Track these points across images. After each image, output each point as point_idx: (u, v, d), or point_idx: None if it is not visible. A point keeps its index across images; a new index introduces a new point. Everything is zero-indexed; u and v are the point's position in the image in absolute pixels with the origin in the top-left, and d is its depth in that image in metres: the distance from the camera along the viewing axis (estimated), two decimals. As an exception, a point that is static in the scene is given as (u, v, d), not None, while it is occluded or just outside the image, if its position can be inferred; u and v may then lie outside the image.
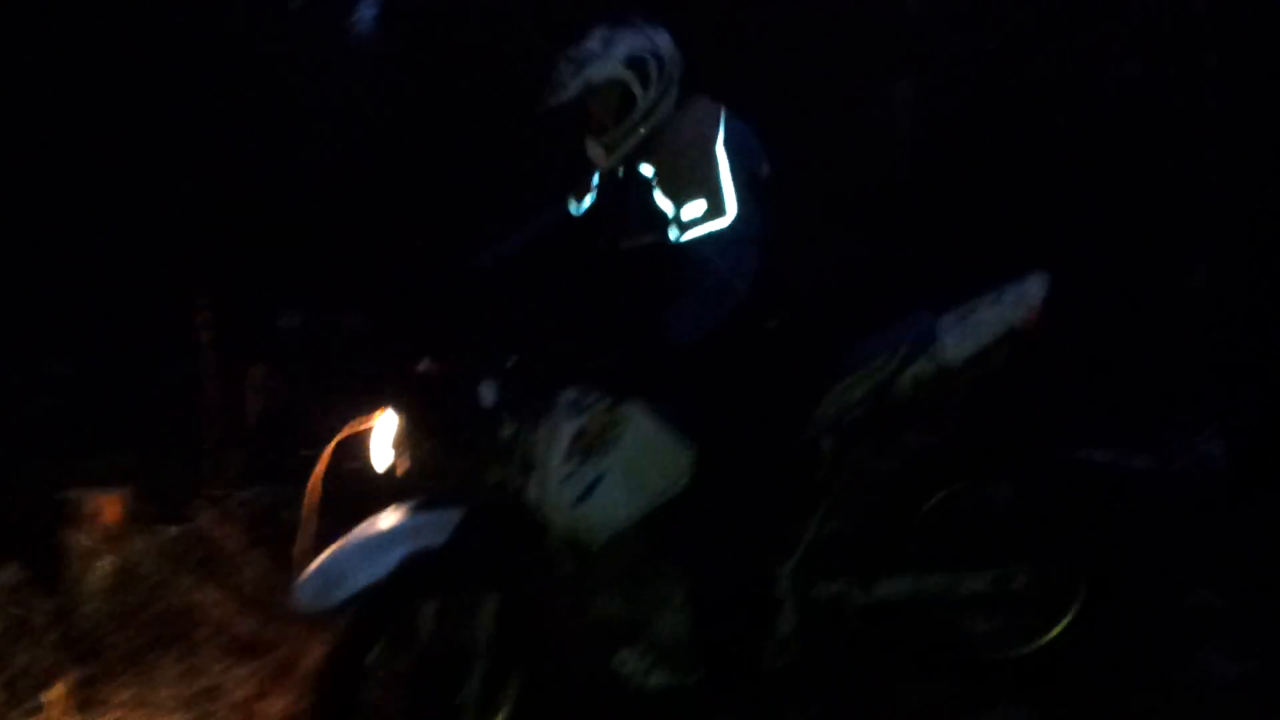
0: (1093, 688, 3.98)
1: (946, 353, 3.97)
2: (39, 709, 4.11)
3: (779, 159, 3.93)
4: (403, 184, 7.15)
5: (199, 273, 6.67)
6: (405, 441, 3.82)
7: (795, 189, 4.05)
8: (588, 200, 4.17)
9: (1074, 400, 5.29)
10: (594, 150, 4.00)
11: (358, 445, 3.88)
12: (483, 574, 3.78)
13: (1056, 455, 4.25)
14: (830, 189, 6.16)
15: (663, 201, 3.82)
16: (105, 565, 4.67)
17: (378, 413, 3.86)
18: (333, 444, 3.93)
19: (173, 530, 4.88)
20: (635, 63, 3.87)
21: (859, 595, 4.02)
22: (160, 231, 6.90)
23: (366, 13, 8.17)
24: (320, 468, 3.94)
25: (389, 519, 3.70)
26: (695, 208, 3.71)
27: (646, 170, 3.88)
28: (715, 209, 3.70)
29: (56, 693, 4.10)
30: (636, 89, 3.86)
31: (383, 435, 3.84)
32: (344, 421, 3.90)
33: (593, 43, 3.88)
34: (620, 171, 4.00)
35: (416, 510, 3.73)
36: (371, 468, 3.84)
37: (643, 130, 3.89)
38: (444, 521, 3.69)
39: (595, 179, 4.14)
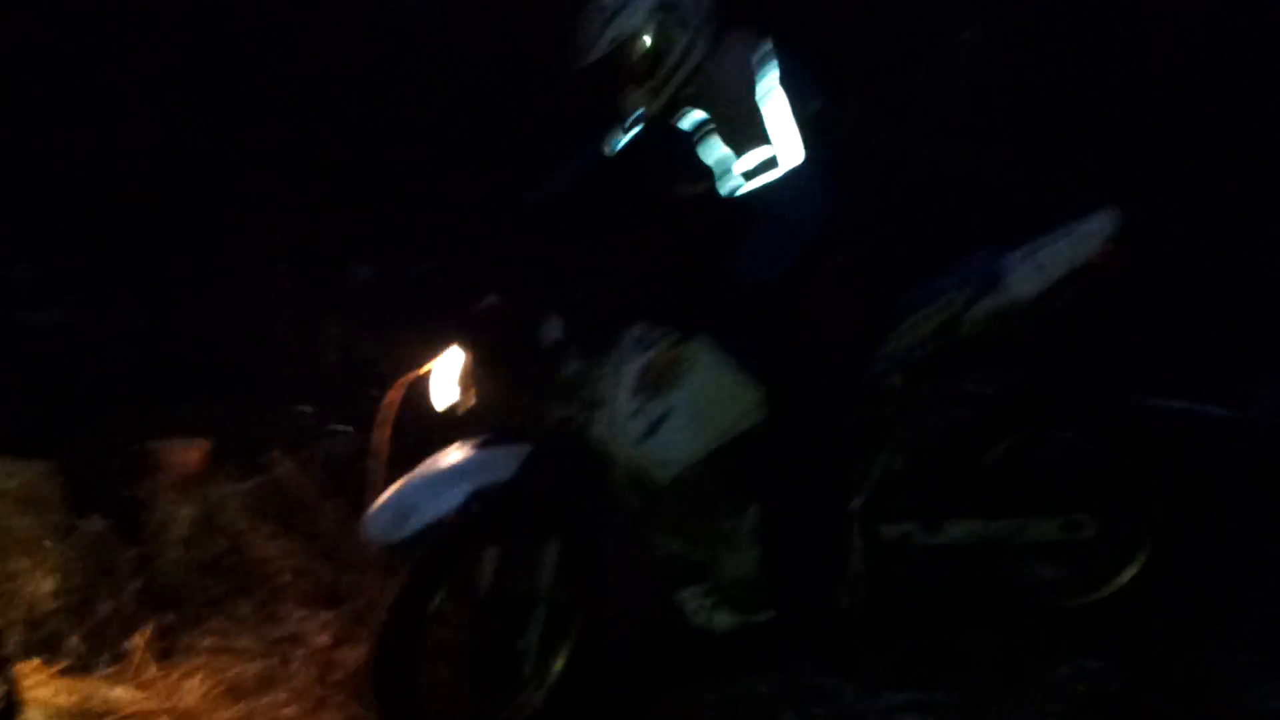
0: (1163, 640, 3.92)
1: (1015, 288, 3.92)
2: (122, 656, 4.18)
3: (836, 92, 3.87)
4: (464, 132, 7.14)
5: (274, 226, 6.71)
6: (470, 379, 3.82)
7: (859, 126, 4.00)
8: (622, 139, 4.04)
9: (1149, 345, 5.20)
10: (634, 100, 3.88)
11: (426, 386, 3.89)
12: (546, 515, 3.80)
13: (1127, 402, 4.19)
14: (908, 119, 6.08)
15: (719, 149, 3.73)
16: (185, 515, 4.73)
17: (442, 350, 3.86)
18: (402, 386, 3.94)
19: (251, 480, 4.94)
20: (664, 5, 3.77)
21: (924, 537, 4.00)
22: (234, 186, 6.92)
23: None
24: (389, 410, 3.95)
25: (455, 455, 3.73)
26: (759, 154, 3.64)
27: (696, 115, 3.78)
28: (780, 152, 3.63)
29: (139, 640, 4.16)
30: (670, 32, 3.75)
31: (447, 373, 3.84)
32: (413, 365, 3.91)
33: None
34: (664, 118, 3.88)
35: (482, 447, 3.75)
36: (443, 406, 3.85)
37: (682, 73, 3.78)
38: (509, 458, 3.71)
39: (629, 119, 3.99)
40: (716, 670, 3.93)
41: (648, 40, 3.77)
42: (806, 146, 3.64)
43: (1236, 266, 5.63)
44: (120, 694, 3.99)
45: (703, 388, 3.82)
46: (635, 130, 4.00)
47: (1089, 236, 3.98)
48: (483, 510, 3.65)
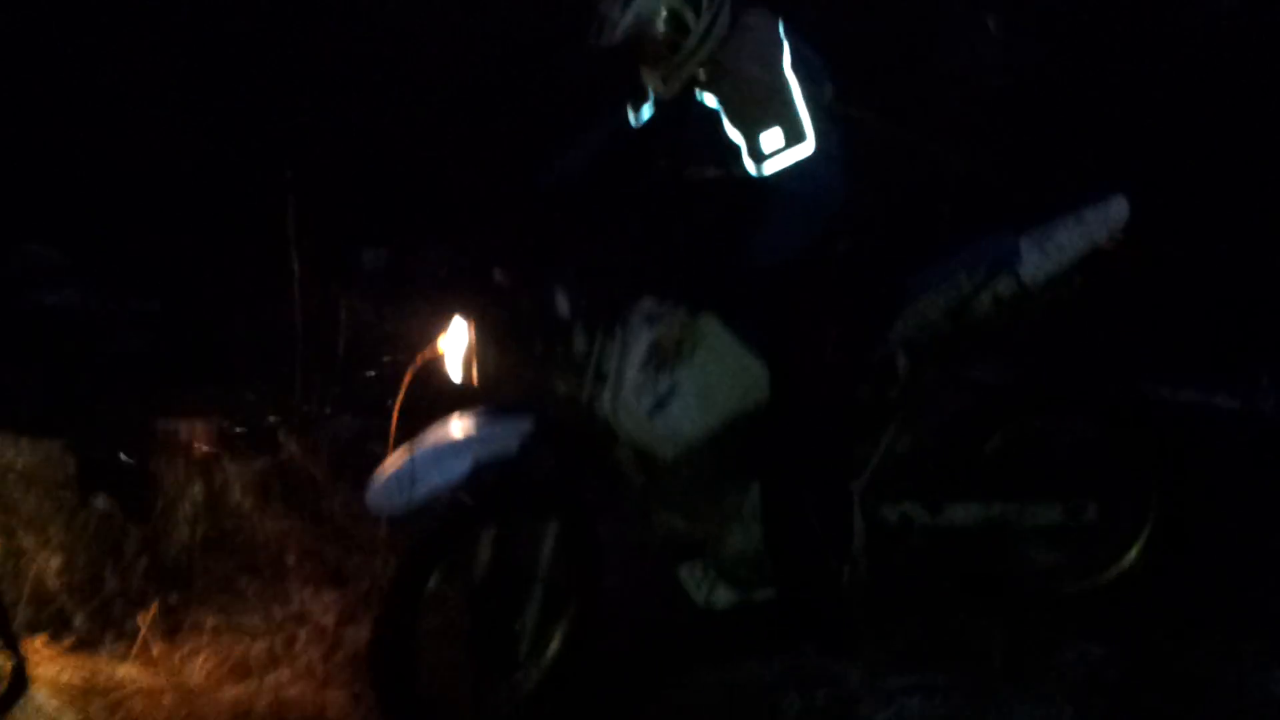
0: (1166, 628, 3.93)
1: (1026, 272, 3.93)
2: (129, 634, 4.19)
3: (850, 78, 3.86)
4: (475, 116, 7.15)
5: (285, 209, 6.72)
6: (476, 352, 3.82)
7: (871, 112, 3.99)
8: (646, 111, 4.04)
9: (1157, 333, 5.20)
10: (651, 80, 3.89)
11: (436, 367, 3.89)
12: (546, 494, 3.80)
13: (1130, 389, 4.20)
14: (911, 116, 6.07)
15: (733, 133, 3.71)
16: (192, 495, 4.74)
17: (448, 324, 3.86)
18: (412, 367, 3.94)
19: (258, 461, 4.95)
20: None
21: (926, 518, 4.02)
22: (246, 169, 6.94)
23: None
24: (403, 390, 3.96)
25: (458, 426, 3.73)
26: (773, 138, 3.63)
27: (710, 100, 3.76)
28: (795, 137, 3.62)
29: (145, 618, 4.18)
30: (688, 14, 3.71)
31: (455, 345, 3.84)
32: (423, 347, 3.91)
33: None
34: (679, 99, 3.86)
35: (487, 418, 3.75)
36: (449, 381, 3.85)
37: (700, 55, 3.75)
38: (514, 430, 3.71)
39: (645, 99, 4.02)
40: (719, 652, 3.94)
41: (666, 22, 3.73)
42: (819, 132, 3.64)
43: (1246, 256, 5.62)
44: (126, 671, 4.00)
45: (710, 365, 3.82)
46: (650, 110, 4.01)
47: (1100, 223, 3.98)
48: (482, 486, 3.66)
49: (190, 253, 6.80)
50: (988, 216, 4.21)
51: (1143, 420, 4.11)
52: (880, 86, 5.19)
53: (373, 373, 5.60)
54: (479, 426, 3.72)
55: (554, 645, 3.87)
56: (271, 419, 5.30)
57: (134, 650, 4.10)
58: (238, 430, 5.09)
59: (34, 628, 4.13)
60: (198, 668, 4.07)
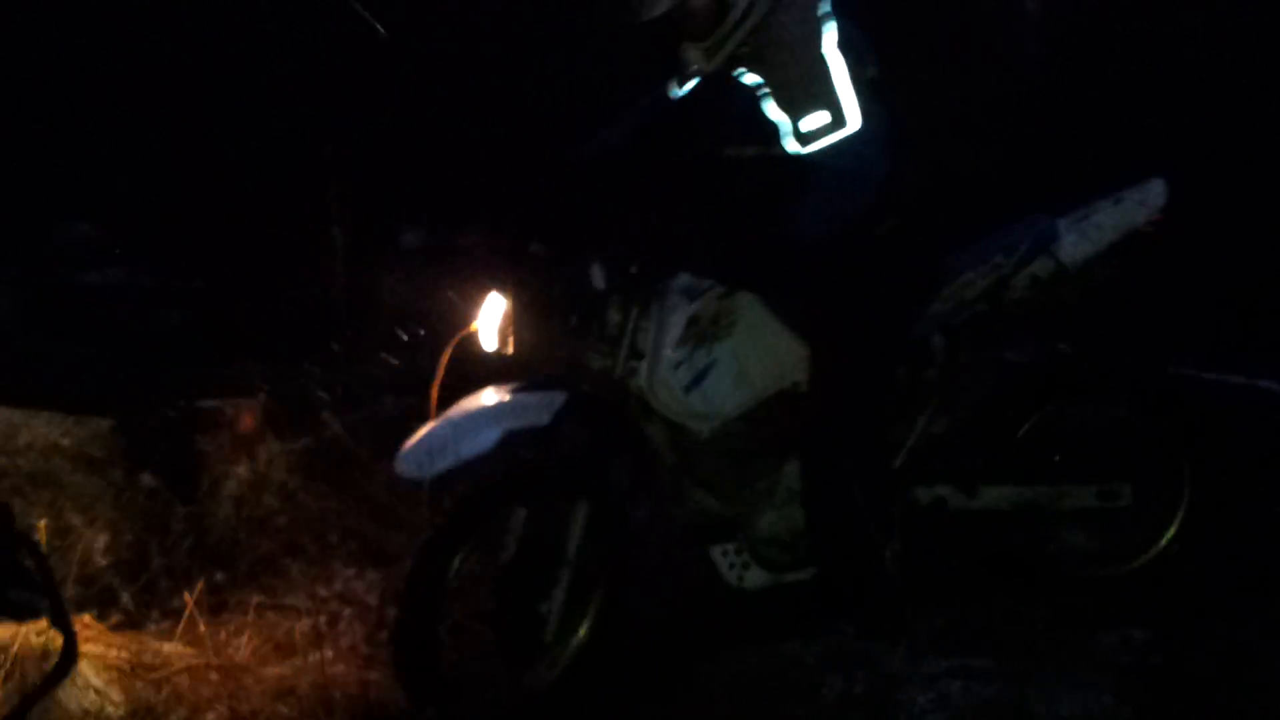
0: (1208, 611, 3.91)
1: (1064, 254, 3.92)
2: (173, 612, 4.23)
3: (892, 58, 3.84)
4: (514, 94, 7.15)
5: (327, 188, 6.74)
6: (511, 325, 3.81)
7: (912, 90, 3.97)
8: (688, 86, 3.99)
9: (1206, 319, 5.16)
10: (691, 56, 3.82)
11: (475, 343, 3.89)
12: (576, 473, 3.79)
13: (1165, 372, 4.19)
14: (951, 92, 6.04)
15: (775, 113, 3.67)
16: (238, 473, 4.78)
17: (484, 297, 3.84)
18: (454, 343, 3.94)
19: (301, 441, 4.98)
20: None
21: (960, 501, 4.01)
22: (288, 149, 6.96)
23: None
24: (442, 368, 3.96)
25: (490, 397, 3.70)
26: (816, 119, 3.60)
27: (752, 77, 3.71)
28: (838, 119, 3.60)
29: (190, 597, 4.20)
30: None
31: (490, 318, 3.83)
32: (463, 324, 3.91)
33: None
34: (720, 76, 3.81)
35: (519, 391, 3.71)
36: (487, 357, 3.85)
37: (741, 33, 3.71)
38: (545, 405, 3.68)
39: (686, 76, 3.94)
40: (759, 633, 3.94)
41: None
42: (863, 111, 3.61)
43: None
44: (171, 650, 4.02)
45: (748, 342, 3.81)
46: (690, 86, 3.97)
47: (1139, 205, 3.97)
48: (511, 462, 3.66)
49: (233, 231, 6.83)
50: (1024, 199, 4.18)
51: (1175, 402, 4.11)
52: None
53: (413, 351, 5.62)
54: (511, 399, 3.69)
55: (582, 628, 3.85)
56: (315, 397, 5.33)
57: (179, 628, 4.12)
58: (281, 409, 5.12)
59: (81, 605, 4.16)
60: (242, 646, 4.09)
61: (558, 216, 4.05)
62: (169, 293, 6.68)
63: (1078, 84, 6.29)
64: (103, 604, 4.29)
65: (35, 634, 3.68)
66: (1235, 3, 6.33)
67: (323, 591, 4.38)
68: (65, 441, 4.68)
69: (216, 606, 4.30)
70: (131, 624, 4.22)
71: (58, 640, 3.63)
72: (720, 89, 3.82)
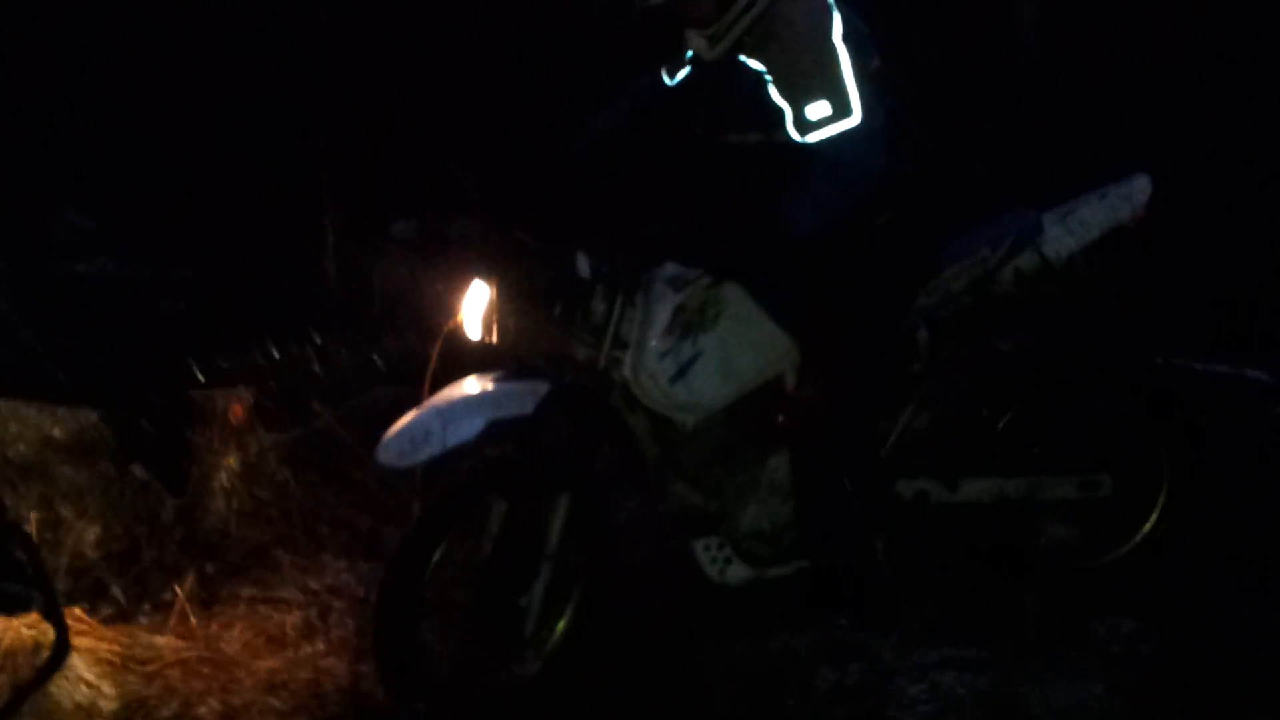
0: (1198, 601, 3.91)
1: (1049, 249, 3.93)
2: (164, 605, 4.22)
3: (889, 51, 3.83)
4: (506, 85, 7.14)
5: (319, 180, 6.74)
6: (496, 313, 3.78)
7: (910, 83, 3.96)
8: (682, 73, 3.99)
9: (1193, 309, 5.17)
10: (696, 42, 3.81)
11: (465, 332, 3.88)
12: (558, 465, 3.78)
13: (1139, 362, 4.20)
14: (946, 86, 6.04)
15: (778, 99, 3.65)
16: (229, 465, 4.76)
17: (469, 282, 3.82)
18: (444, 333, 3.93)
19: (293, 432, 4.97)
20: None
21: (942, 495, 4.01)
22: (280, 140, 6.96)
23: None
24: (434, 358, 3.94)
25: (473, 386, 3.69)
26: (819, 108, 3.57)
27: (755, 65, 3.67)
28: (841, 109, 3.57)
29: (181, 589, 4.21)
30: None
31: (475, 306, 3.80)
32: (453, 312, 3.89)
33: None
34: (722, 62, 3.78)
35: (503, 380, 3.70)
36: (475, 346, 3.84)
37: (746, 20, 3.68)
38: (528, 395, 3.67)
39: (689, 54, 3.95)
40: (753, 625, 3.93)
41: None
42: (865, 105, 3.59)
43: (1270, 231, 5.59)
44: (162, 642, 4.03)
45: (734, 333, 3.80)
46: (683, 75, 3.97)
47: (1123, 200, 3.98)
48: (494, 452, 3.65)
49: (225, 222, 6.83)
50: (1012, 192, 4.19)
51: (1151, 391, 4.11)
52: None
53: (405, 340, 5.61)
54: (494, 388, 3.68)
55: (559, 627, 3.84)
56: (306, 388, 5.32)
57: (171, 621, 4.13)
58: (272, 400, 5.11)
59: (72, 598, 4.15)
60: (234, 639, 4.10)
61: (543, 205, 4.04)
62: (161, 284, 6.68)
63: (1070, 79, 6.31)
64: (94, 597, 4.28)
65: (27, 627, 3.68)
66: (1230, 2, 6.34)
67: (314, 584, 4.37)
68: (56, 433, 4.66)
69: (208, 599, 4.30)
70: (123, 617, 4.21)
71: (49, 634, 3.62)
72: (723, 75, 3.79)
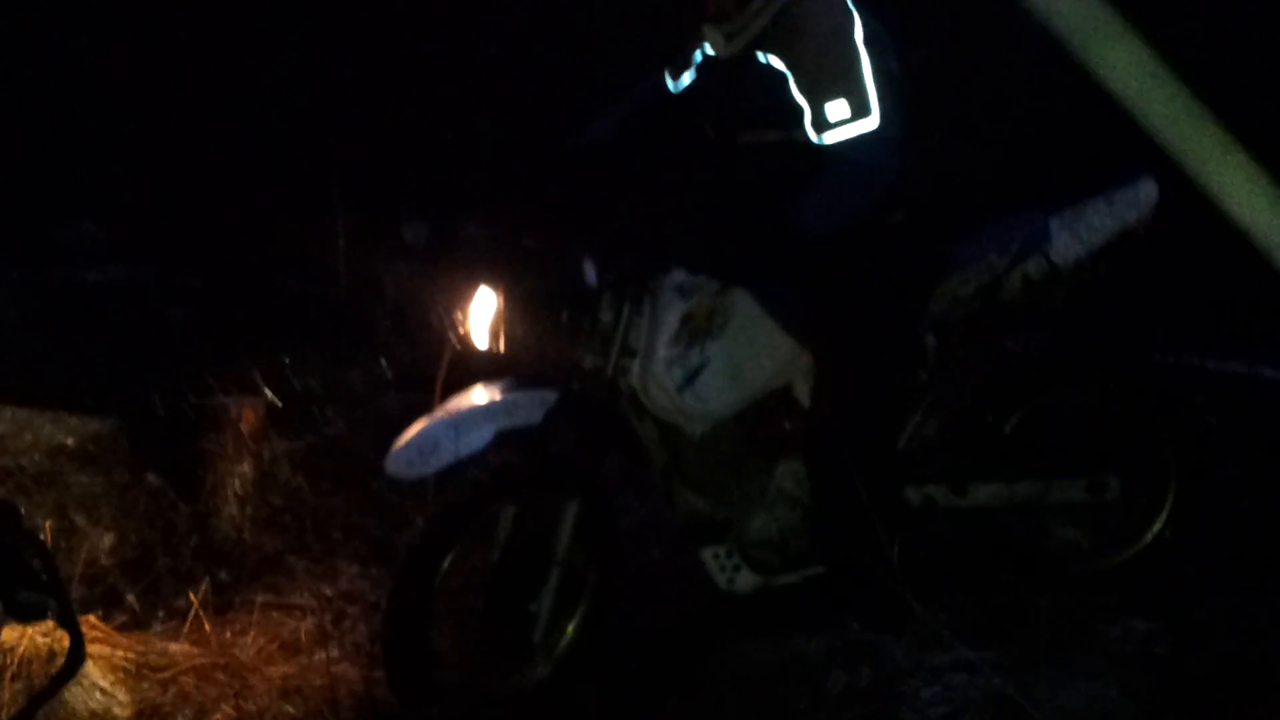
0: (1209, 602, 3.90)
1: (1057, 255, 3.91)
2: (179, 612, 4.24)
3: (906, 55, 3.82)
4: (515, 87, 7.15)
5: (329, 185, 6.74)
6: (503, 321, 3.77)
7: (925, 87, 3.96)
8: (687, 78, 3.98)
9: (1208, 309, 5.16)
10: (713, 37, 3.77)
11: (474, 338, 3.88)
12: (567, 472, 3.78)
13: (1144, 363, 4.19)
14: (960, 89, 6.04)
15: (798, 97, 3.61)
16: (240, 473, 4.78)
17: (474, 290, 3.80)
18: (455, 340, 3.92)
19: (305, 439, 4.99)
20: None
21: (949, 500, 4.01)
22: (289, 145, 6.97)
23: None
24: (444, 365, 3.94)
25: (481, 396, 3.69)
26: (838, 107, 3.55)
27: (775, 62, 3.64)
28: (860, 109, 3.54)
29: (195, 597, 4.21)
30: None
31: (482, 314, 3.79)
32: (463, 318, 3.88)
33: None
34: (737, 61, 3.75)
35: (510, 389, 3.70)
36: (483, 353, 3.82)
37: (766, 16, 3.65)
38: (536, 403, 3.67)
39: (696, 57, 3.93)
40: (765, 629, 3.94)
41: None
42: (883, 109, 3.56)
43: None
44: (176, 649, 4.03)
45: (742, 340, 3.79)
46: (691, 76, 3.96)
47: (1130, 205, 3.96)
48: (502, 460, 3.65)
49: (233, 228, 6.84)
50: (1014, 193, 4.18)
51: (1157, 392, 4.10)
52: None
53: (415, 346, 5.62)
54: (502, 397, 3.68)
55: (568, 632, 3.85)
56: (318, 394, 5.33)
57: (185, 628, 4.14)
58: (284, 407, 5.12)
59: (86, 606, 4.17)
60: (248, 645, 4.11)
61: (550, 211, 4.04)
62: (171, 290, 6.68)
63: (1070, 79, 6.29)
64: (108, 604, 4.30)
65: (42, 635, 3.69)
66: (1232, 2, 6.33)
67: (327, 590, 4.39)
68: (70, 441, 4.68)
69: (222, 606, 4.32)
70: (137, 624, 4.24)
71: (64, 641, 3.62)
72: (737, 73, 3.76)
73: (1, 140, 6.96)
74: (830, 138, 3.58)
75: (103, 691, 3.77)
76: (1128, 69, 1.18)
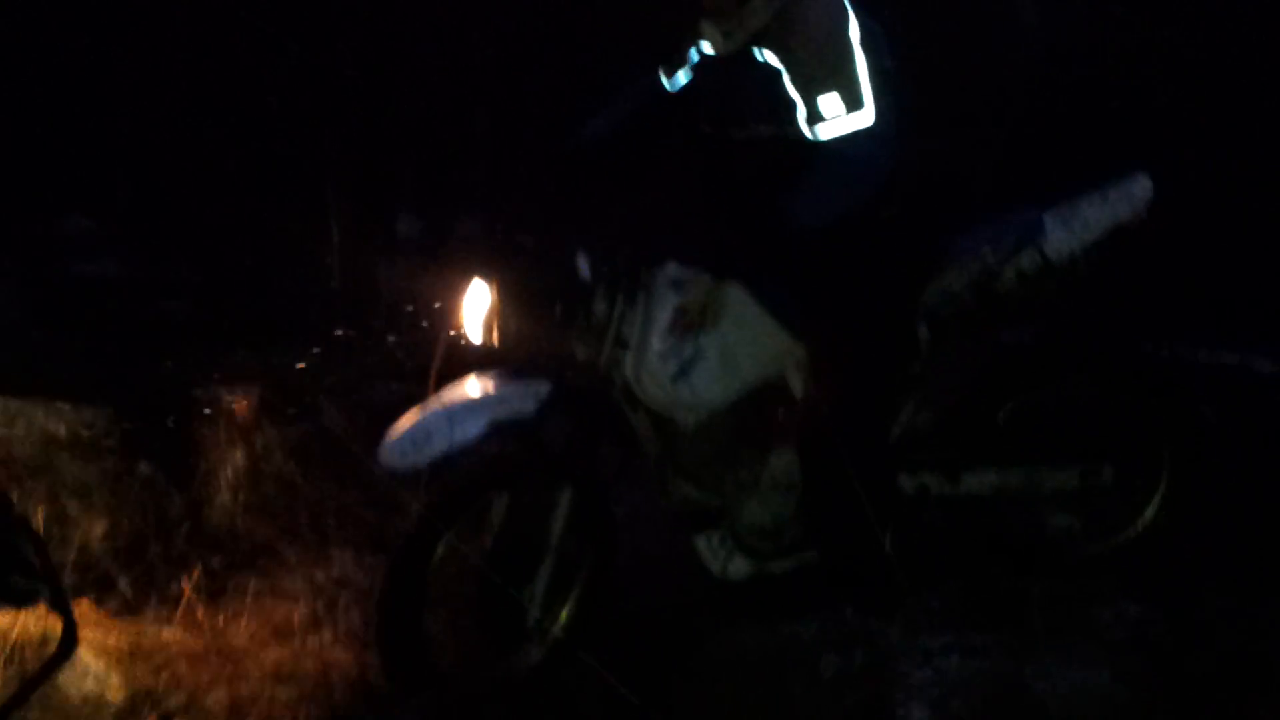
0: (1202, 587, 3.92)
1: (1050, 249, 3.92)
2: (172, 598, 4.23)
3: (899, 52, 3.83)
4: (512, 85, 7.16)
5: (324, 178, 6.76)
6: (497, 314, 3.78)
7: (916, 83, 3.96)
8: (682, 77, 4.01)
9: (1202, 300, 5.17)
10: (710, 34, 3.80)
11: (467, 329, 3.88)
12: (561, 460, 3.78)
13: (1135, 352, 4.20)
14: (948, 85, 6.05)
15: (792, 92, 3.65)
16: (235, 460, 4.78)
17: (468, 283, 3.81)
18: (449, 330, 3.93)
19: (298, 427, 4.98)
20: None
21: (943, 488, 4.01)
22: (284, 139, 6.98)
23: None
24: (438, 355, 3.95)
25: (474, 387, 3.70)
26: (832, 102, 3.58)
27: (771, 59, 3.67)
28: (853, 103, 3.57)
29: (188, 583, 4.22)
30: None
31: (476, 306, 3.80)
32: (457, 310, 3.89)
33: None
34: (734, 56, 3.78)
35: (504, 380, 3.71)
36: (477, 344, 3.83)
37: (767, 12, 3.68)
38: (529, 395, 3.68)
39: (692, 56, 3.96)
40: (759, 613, 3.94)
41: None
42: (878, 106, 3.59)
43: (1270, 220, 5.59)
44: (170, 635, 4.03)
45: (735, 333, 3.79)
46: (694, 67, 3.96)
47: (1124, 200, 3.97)
48: (496, 450, 3.66)
49: (229, 222, 6.84)
50: (1012, 192, 4.19)
51: (1150, 381, 4.11)
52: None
53: (409, 338, 5.63)
54: (496, 388, 3.69)
55: (561, 618, 3.85)
56: (311, 384, 5.34)
57: (178, 614, 4.13)
58: (278, 396, 5.12)
59: (79, 592, 4.16)
60: (241, 631, 4.09)
61: (544, 205, 4.04)
62: (167, 284, 6.69)
63: (1069, 79, 6.31)
64: (101, 590, 4.29)
65: (34, 620, 3.69)
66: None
67: (320, 576, 4.37)
68: (62, 430, 4.69)
69: (215, 592, 4.30)
70: (130, 610, 4.22)
71: (57, 626, 3.62)
72: (734, 69, 3.79)
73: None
74: (824, 132, 3.61)
75: (95, 676, 3.76)
76: None
